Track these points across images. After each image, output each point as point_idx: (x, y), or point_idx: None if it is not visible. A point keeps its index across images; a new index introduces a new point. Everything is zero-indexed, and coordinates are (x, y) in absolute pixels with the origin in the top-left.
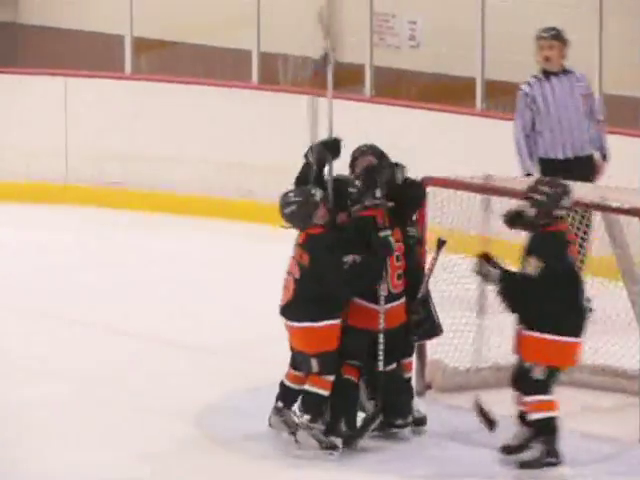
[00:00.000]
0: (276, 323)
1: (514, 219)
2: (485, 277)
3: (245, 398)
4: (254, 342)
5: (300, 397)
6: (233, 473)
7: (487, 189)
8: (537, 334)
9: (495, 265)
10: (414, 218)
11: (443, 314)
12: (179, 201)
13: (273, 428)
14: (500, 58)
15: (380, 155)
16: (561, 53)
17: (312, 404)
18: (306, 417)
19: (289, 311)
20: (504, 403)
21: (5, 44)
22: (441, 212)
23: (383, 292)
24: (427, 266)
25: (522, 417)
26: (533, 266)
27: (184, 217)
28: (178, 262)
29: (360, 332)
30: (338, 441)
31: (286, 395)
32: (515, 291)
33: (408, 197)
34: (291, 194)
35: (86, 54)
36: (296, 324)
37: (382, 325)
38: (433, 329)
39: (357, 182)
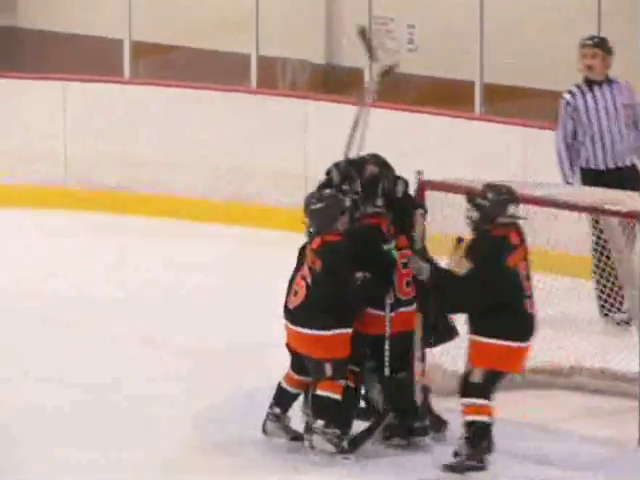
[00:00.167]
0: (276, 327)
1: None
2: (417, 272)
3: (245, 403)
4: (254, 346)
5: (311, 402)
6: (233, 478)
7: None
8: (476, 337)
9: (429, 261)
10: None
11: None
12: (178, 205)
13: (269, 435)
14: (499, 62)
15: (382, 164)
16: (604, 62)
17: (325, 408)
18: (320, 422)
19: (298, 316)
20: (503, 407)
21: (4, 48)
22: (439, 216)
23: (389, 299)
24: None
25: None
26: (462, 266)
27: (183, 221)
28: (177, 266)
29: (360, 337)
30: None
31: (283, 399)
32: (444, 289)
33: (407, 211)
34: (322, 194)
35: (85, 58)
36: (307, 331)
37: (388, 331)
38: (449, 332)
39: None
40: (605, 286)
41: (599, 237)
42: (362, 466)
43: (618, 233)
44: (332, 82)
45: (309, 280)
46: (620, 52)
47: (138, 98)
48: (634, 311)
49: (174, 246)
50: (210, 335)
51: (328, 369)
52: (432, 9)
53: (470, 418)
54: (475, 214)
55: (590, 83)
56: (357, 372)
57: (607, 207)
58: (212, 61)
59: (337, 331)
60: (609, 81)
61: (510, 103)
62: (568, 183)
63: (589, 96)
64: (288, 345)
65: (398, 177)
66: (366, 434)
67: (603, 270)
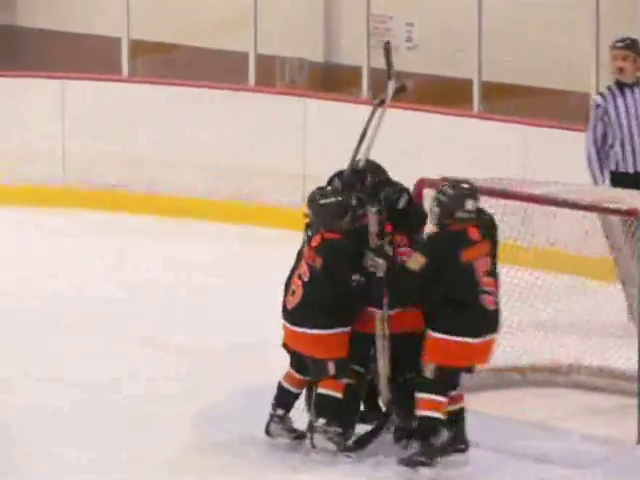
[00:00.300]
0: (276, 327)
1: None
2: (373, 269)
3: (245, 402)
4: (254, 345)
5: (313, 401)
6: (233, 478)
7: (484, 191)
8: (430, 332)
9: (385, 256)
10: None
11: None
12: (177, 205)
13: (272, 436)
14: (497, 60)
15: (376, 169)
16: (635, 64)
17: (327, 407)
18: (321, 420)
19: (297, 316)
20: (502, 405)
21: (3, 47)
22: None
23: (386, 299)
24: None
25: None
26: (416, 261)
27: (182, 221)
28: (177, 266)
29: (362, 336)
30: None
31: (284, 399)
32: (397, 284)
33: (409, 223)
34: (329, 190)
35: (83, 57)
36: (306, 330)
37: (381, 331)
38: None
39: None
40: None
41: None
42: (363, 465)
43: (618, 231)
44: (331, 80)
45: (306, 278)
46: None
47: (137, 97)
48: (633, 309)
49: (174, 245)
50: (210, 335)
51: (331, 368)
52: (430, 7)
53: (422, 413)
54: (436, 209)
55: (621, 85)
56: (360, 373)
57: (607, 205)
58: (210, 60)
59: (336, 330)
60: None
61: (509, 101)
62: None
63: (619, 99)
64: (285, 345)
65: (401, 189)
66: (370, 435)
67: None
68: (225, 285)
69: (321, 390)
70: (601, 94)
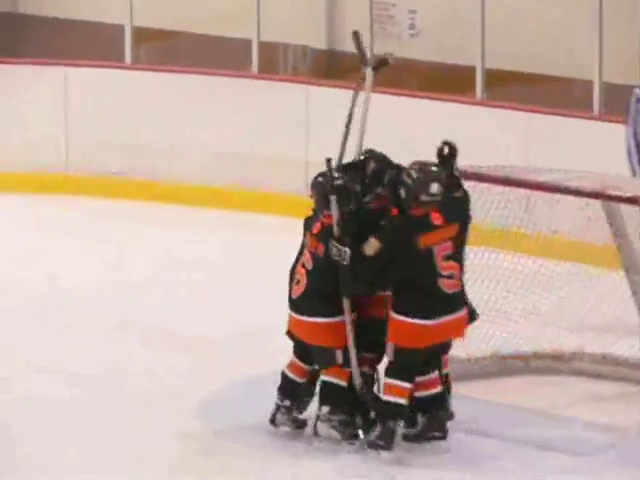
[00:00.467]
0: (276, 314)
1: None
2: (337, 257)
3: (247, 390)
4: (256, 333)
5: (318, 389)
6: (236, 466)
7: (486, 178)
8: (391, 313)
9: (348, 244)
10: None
11: None
12: (179, 191)
13: (277, 426)
14: (500, 47)
15: (379, 156)
16: None
17: (332, 395)
18: (325, 409)
19: (302, 305)
20: (504, 393)
21: (4, 34)
22: None
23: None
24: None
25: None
26: (371, 246)
27: (183, 207)
28: (177, 253)
29: (370, 321)
30: (359, 432)
31: (290, 389)
32: (355, 270)
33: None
34: (332, 175)
35: (86, 44)
36: (311, 319)
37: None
38: (471, 316)
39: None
40: None
41: None
42: (365, 452)
43: (621, 218)
44: (334, 68)
45: (309, 267)
46: (622, 37)
47: (139, 84)
48: (636, 296)
49: (175, 232)
50: (212, 322)
51: (339, 356)
52: None
53: (386, 398)
54: (401, 191)
55: None
56: (372, 359)
57: (610, 192)
58: (213, 47)
59: (342, 318)
60: None
61: (512, 88)
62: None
63: None
64: (290, 333)
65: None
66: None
67: None
68: (226, 272)
69: (325, 378)
70: None
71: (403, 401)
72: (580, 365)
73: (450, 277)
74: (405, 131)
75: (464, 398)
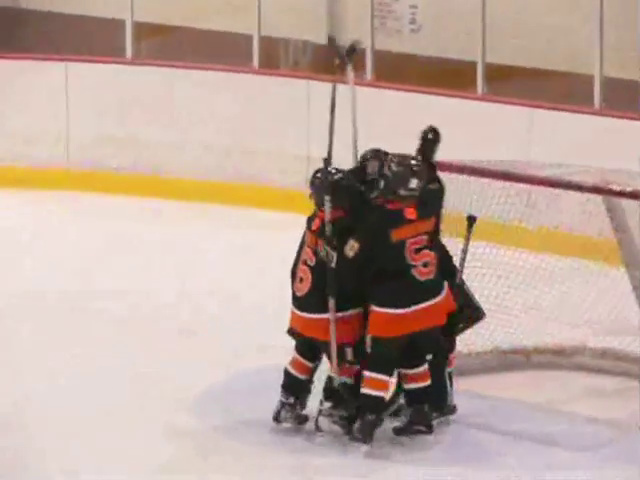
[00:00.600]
0: (278, 309)
1: None
2: (326, 259)
3: (246, 387)
4: (257, 328)
5: (324, 385)
6: (235, 464)
7: (487, 173)
8: (369, 306)
9: (333, 247)
10: None
11: None
12: (180, 187)
13: (280, 423)
14: (501, 42)
15: (384, 156)
16: None
17: (335, 391)
18: (327, 404)
19: (308, 302)
20: (505, 387)
21: (7, 29)
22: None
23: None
24: (462, 247)
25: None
26: (350, 248)
27: (185, 203)
28: (179, 248)
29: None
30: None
31: (293, 386)
32: (338, 273)
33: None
34: (330, 170)
35: (87, 39)
36: (320, 315)
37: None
38: (476, 313)
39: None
40: None
41: None
42: (367, 446)
43: (622, 213)
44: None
45: (312, 263)
46: (622, 30)
47: (140, 79)
48: (637, 291)
49: (177, 228)
50: (213, 317)
51: (349, 353)
52: None
53: (364, 390)
54: (381, 184)
55: None
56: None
57: (611, 187)
58: (214, 42)
59: (351, 312)
60: None
61: (513, 83)
62: None
63: None
64: (291, 332)
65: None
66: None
67: None
68: (227, 266)
69: (330, 374)
70: None
71: (383, 394)
72: (581, 360)
73: (425, 265)
74: (405, 126)
75: (465, 393)
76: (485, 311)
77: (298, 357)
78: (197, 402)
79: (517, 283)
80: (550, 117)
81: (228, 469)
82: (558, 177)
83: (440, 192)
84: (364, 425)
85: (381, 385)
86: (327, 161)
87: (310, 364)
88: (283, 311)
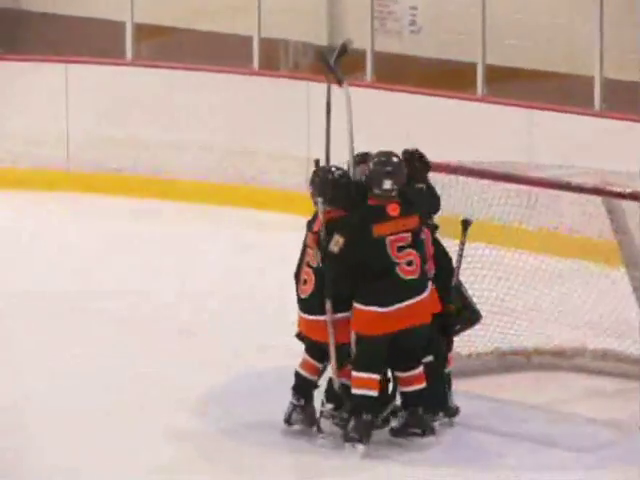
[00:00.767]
0: (278, 309)
1: None
2: (318, 261)
3: (247, 388)
4: (260, 328)
5: (325, 387)
6: (238, 462)
7: (488, 175)
8: (354, 303)
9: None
10: None
11: None
12: (180, 188)
13: (292, 425)
14: (501, 43)
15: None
16: None
17: (337, 393)
18: (328, 406)
19: (313, 303)
20: (506, 389)
21: (7, 30)
22: (442, 198)
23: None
24: (457, 251)
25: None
26: (335, 244)
27: (185, 203)
28: (179, 249)
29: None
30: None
31: (304, 388)
32: (326, 270)
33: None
34: (329, 168)
35: (87, 41)
36: (324, 317)
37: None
38: (474, 316)
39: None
40: None
41: None
42: (369, 448)
43: (622, 214)
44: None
45: (314, 265)
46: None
47: (140, 80)
48: (637, 293)
49: (177, 228)
50: (213, 317)
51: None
52: None
53: (354, 391)
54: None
55: None
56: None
57: (610, 188)
58: (214, 43)
59: (348, 313)
60: None
61: (512, 84)
62: None
63: None
64: (300, 335)
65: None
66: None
67: None
68: (228, 267)
69: (331, 376)
70: None
71: (372, 393)
72: (581, 361)
73: (409, 264)
74: (405, 127)
75: (465, 393)
76: (485, 312)
77: (308, 358)
78: (197, 402)
79: (517, 284)
80: (550, 118)
81: (228, 469)
82: (558, 178)
83: (427, 192)
84: (359, 424)
85: (369, 384)
86: (318, 162)
87: (320, 365)
88: (283, 311)
